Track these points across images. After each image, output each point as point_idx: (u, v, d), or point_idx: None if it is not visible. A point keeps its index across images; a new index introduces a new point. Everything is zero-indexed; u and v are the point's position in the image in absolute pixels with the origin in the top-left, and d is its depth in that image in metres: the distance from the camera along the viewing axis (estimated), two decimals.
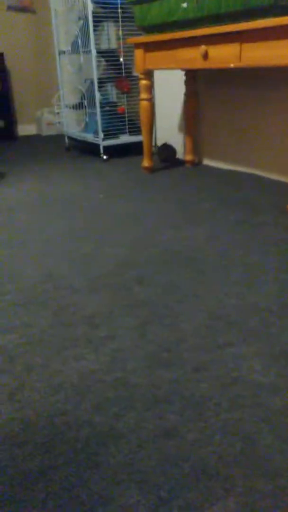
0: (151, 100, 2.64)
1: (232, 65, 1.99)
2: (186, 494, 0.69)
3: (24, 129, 4.94)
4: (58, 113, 3.59)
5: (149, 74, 2.58)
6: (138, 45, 2.52)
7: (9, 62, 4.64)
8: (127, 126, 3.35)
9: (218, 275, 1.41)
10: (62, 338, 1.10)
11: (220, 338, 1.08)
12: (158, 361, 1.00)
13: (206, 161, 3.04)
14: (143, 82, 2.60)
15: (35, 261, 1.57)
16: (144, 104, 2.65)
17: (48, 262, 1.56)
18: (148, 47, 2.47)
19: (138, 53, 2.54)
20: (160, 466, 0.74)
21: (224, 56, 2.02)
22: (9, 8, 4.45)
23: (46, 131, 4.81)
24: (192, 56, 2.20)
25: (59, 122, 3.64)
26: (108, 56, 3.29)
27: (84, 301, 1.28)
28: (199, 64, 2.17)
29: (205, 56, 2.13)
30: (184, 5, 2.11)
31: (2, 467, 0.74)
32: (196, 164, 3.05)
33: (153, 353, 1.03)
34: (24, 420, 0.84)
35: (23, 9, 4.51)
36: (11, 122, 4.61)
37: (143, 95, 2.63)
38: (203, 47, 2.11)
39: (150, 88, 2.62)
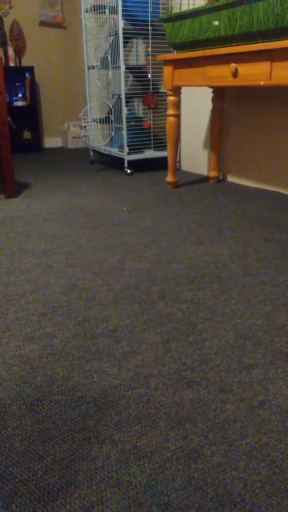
0: (178, 116, 2.65)
1: (262, 83, 1.98)
2: None
3: (50, 141, 5.02)
4: (85, 127, 3.63)
5: (177, 91, 2.60)
6: (167, 62, 2.54)
7: (38, 76, 4.74)
8: (152, 142, 3.37)
9: (244, 293, 1.38)
10: (84, 350, 1.09)
11: (246, 359, 1.05)
12: (182, 379, 0.98)
13: (231, 178, 3.03)
14: (171, 98, 2.62)
15: (59, 271, 1.57)
16: (171, 120, 2.66)
17: (72, 273, 1.55)
18: (177, 64, 2.49)
19: (167, 70, 2.56)
20: (184, 489, 0.71)
21: (254, 74, 2.02)
22: (42, 23, 4.57)
23: (71, 144, 4.87)
24: (222, 73, 2.21)
25: (84, 136, 3.68)
26: (136, 72, 3.33)
27: (107, 313, 1.27)
28: (229, 81, 2.17)
29: (235, 73, 2.13)
30: (216, 23, 2.12)
31: (22, 480, 0.73)
32: (220, 180, 3.04)
33: (177, 371, 1.01)
34: (44, 433, 0.83)
35: (55, 25, 4.62)
36: (37, 134, 4.69)
37: (171, 111, 2.64)
38: (233, 65, 2.11)
39: (178, 105, 2.63)
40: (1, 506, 0.68)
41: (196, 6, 2.29)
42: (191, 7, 2.37)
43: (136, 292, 1.40)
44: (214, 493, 0.70)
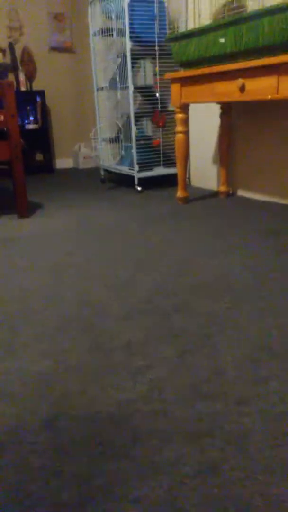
0: (187, 133, 2.68)
1: (269, 97, 2.00)
2: None
3: (61, 162, 5.10)
4: (95, 147, 3.69)
5: (185, 108, 2.63)
6: (174, 80, 2.58)
7: (49, 99, 4.85)
8: (161, 159, 3.40)
9: (259, 305, 1.37)
10: (99, 365, 1.09)
11: (262, 371, 1.03)
12: (198, 392, 0.97)
13: (241, 192, 3.03)
14: (179, 115, 2.65)
15: (73, 287, 1.58)
16: (180, 136, 2.69)
17: (85, 288, 1.56)
18: (185, 81, 2.52)
19: (175, 88, 2.60)
20: (203, 505, 0.69)
21: (262, 88, 2.04)
22: (52, 48, 4.69)
23: (83, 165, 4.94)
24: (229, 89, 2.23)
25: (96, 156, 3.73)
26: (144, 91, 3.38)
27: (121, 327, 1.27)
28: (236, 97, 2.19)
29: (242, 89, 2.15)
30: (222, 40, 2.16)
31: (39, 497, 0.72)
32: (230, 195, 3.05)
33: (192, 384, 1.00)
34: (60, 449, 0.82)
35: (64, 50, 4.74)
36: (49, 156, 4.77)
37: (179, 128, 2.67)
38: (240, 80, 2.14)
39: (186, 121, 2.66)
40: None
41: (202, 25, 2.34)
42: (197, 25, 2.42)
43: (149, 306, 1.40)
44: (234, 509, 0.69)
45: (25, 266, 1.83)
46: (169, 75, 2.58)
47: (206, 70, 2.30)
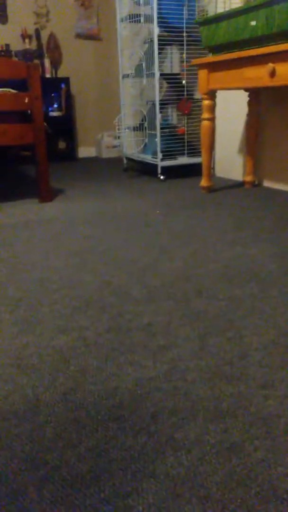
0: (213, 120, 2.63)
1: None
2: None
3: (84, 151, 5.08)
4: (119, 137, 3.66)
5: (212, 95, 2.57)
6: (202, 66, 2.53)
7: (73, 87, 4.83)
8: (186, 148, 3.35)
9: (285, 292, 1.32)
10: (118, 343, 1.06)
11: None
12: (221, 374, 0.93)
13: (267, 183, 2.96)
14: (206, 102, 2.59)
15: (94, 270, 1.55)
16: (206, 124, 2.63)
17: (106, 272, 1.53)
18: (213, 67, 2.47)
19: (202, 74, 2.54)
20: (225, 483, 0.66)
21: None
22: (78, 35, 4.66)
23: (106, 154, 4.92)
24: (259, 74, 2.17)
25: (118, 144, 3.71)
26: (170, 78, 3.33)
27: (142, 309, 1.24)
28: (266, 82, 2.13)
29: (272, 74, 2.09)
30: (253, 23, 2.09)
31: (54, 467, 0.70)
32: (256, 185, 2.98)
33: (215, 365, 0.96)
34: (77, 422, 0.80)
35: (90, 37, 4.71)
36: (72, 144, 4.76)
37: (206, 115, 2.62)
38: (270, 65, 2.07)
39: (213, 109, 2.61)
40: (32, 491, 0.65)
41: (232, 8, 2.27)
42: (227, 9, 2.36)
43: (171, 290, 1.36)
44: (258, 489, 0.65)
45: (46, 248, 1.82)
46: (196, 61, 2.52)
47: (235, 54, 2.24)
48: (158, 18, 2.98)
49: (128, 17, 3.41)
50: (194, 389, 0.88)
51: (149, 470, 0.69)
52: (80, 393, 0.88)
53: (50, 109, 4.65)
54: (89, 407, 0.84)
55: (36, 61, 4.49)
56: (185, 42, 3.14)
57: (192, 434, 0.76)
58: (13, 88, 2.73)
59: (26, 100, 2.44)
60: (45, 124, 2.57)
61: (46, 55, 4.53)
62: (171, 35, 3.15)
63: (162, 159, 3.24)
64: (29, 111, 2.54)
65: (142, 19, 3.25)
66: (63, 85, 4.57)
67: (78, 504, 0.63)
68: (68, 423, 0.80)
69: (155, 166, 3.32)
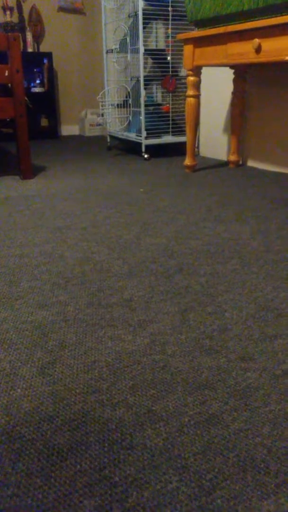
0: (198, 97, 2.59)
1: (287, 58, 1.91)
2: (231, 485, 0.60)
3: (67, 129, 4.99)
4: (102, 114, 3.59)
5: (197, 71, 2.53)
6: (187, 41, 2.48)
7: (56, 62, 4.71)
8: (170, 127, 3.31)
9: (266, 269, 1.32)
10: (98, 318, 1.04)
11: (268, 329, 0.99)
12: (200, 347, 0.93)
13: (251, 163, 2.95)
14: (191, 78, 2.55)
15: (74, 246, 1.53)
16: (191, 101, 2.59)
17: (87, 247, 1.51)
18: (198, 42, 2.42)
19: (187, 49, 2.49)
20: (202, 453, 0.66)
21: (278, 49, 1.94)
22: (61, 9, 4.53)
23: (89, 132, 4.83)
24: (244, 50, 2.13)
25: (102, 123, 3.64)
26: (155, 55, 3.27)
27: (122, 285, 1.22)
28: (251, 58, 2.10)
29: (258, 49, 2.05)
30: None
31: (30, 439, 0.68)
32: (240, 165, 2.97)
33: (195, 339, 0.96)
34: (54, 395, 0.78)
35: (74, 11, 4.57)
36: (54, 121, 4.66)
37: (190, 92, 2.57)
38: (256, 40, 2.04)
39: (198, 85, 2.56)
40: (8, 464, 0.64)
41: None
42: None
43: (153, 266, 1.35)
44: (236, 459, 0.65)
45: (25, 224, 1.78)
46: (181, 35, 2.47)
47: (221, 29, 2.19)
48: None
49: None
50: (173, 362, 0.87)
51: (127, 442, 0.68)
52: (58, 367, 0.86)
53: (32, 85, 4.53)
54: (67, 381, 0.82)
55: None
56: (170, 17, 3.07)
57: (170, 406, 0.76)
58: None
59: (6, 73, 2.37)
60: (26, 98, 2.50)
61: (28, 28, 4.39)
62: (156, 9, 3.07)
63: (146, 137, 3.20)
64: (9, 85, 2.46)
65: None
66: (45, 60, 4.45)
67: (54, 476, 0.62)
68: (45, 396, 0.78)
69: (139, 144, 3.27)
